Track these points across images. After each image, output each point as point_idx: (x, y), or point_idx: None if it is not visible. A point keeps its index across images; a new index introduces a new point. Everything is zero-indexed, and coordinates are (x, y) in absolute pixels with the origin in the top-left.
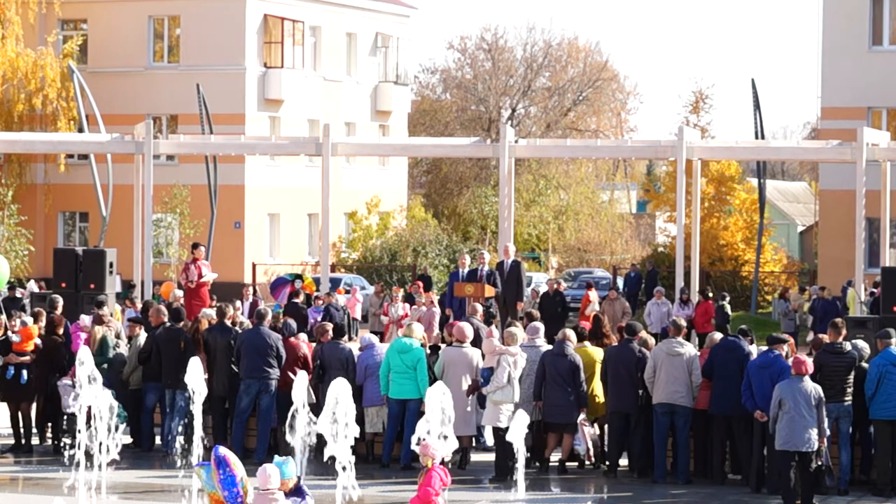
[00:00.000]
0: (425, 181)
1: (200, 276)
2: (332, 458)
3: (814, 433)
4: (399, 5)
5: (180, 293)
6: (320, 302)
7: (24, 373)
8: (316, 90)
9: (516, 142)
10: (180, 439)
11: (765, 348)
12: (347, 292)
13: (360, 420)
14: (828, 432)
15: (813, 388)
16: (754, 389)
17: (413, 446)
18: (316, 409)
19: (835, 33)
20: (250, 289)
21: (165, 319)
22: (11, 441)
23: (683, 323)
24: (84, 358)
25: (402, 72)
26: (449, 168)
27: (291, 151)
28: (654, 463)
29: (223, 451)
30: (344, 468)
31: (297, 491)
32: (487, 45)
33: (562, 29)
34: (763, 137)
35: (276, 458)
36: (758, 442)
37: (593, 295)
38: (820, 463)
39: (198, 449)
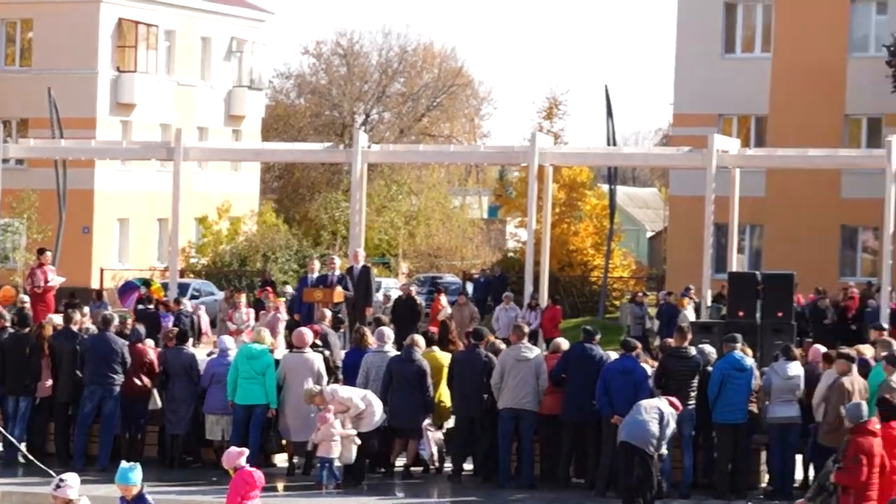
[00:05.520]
0: (277, 186)
1: (47, 280)
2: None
3: (655, 438)
4: (254, 10)
5: (27, 298)
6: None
7: None
8: (169, 94)
9: (369, 147)
10: (23, 446)
11: (616, 355)
12: (195, 297)
13: (200, 425)
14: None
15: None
16: (613, 395)
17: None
18: (160, 413)
19: (688, 41)
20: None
21: (7, 324)
22: None
23: (526, 327)
24: None
25: (256, 76)
26: (301, 173)
27: (142, 156)
28: (499, 467)
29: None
30: None
31: (139, 499)
32: (343, 51)
33: (418, 34)
34: (615, 144)
35: (124, 463)
36: (608, 446)
37: (443, 300)
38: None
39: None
